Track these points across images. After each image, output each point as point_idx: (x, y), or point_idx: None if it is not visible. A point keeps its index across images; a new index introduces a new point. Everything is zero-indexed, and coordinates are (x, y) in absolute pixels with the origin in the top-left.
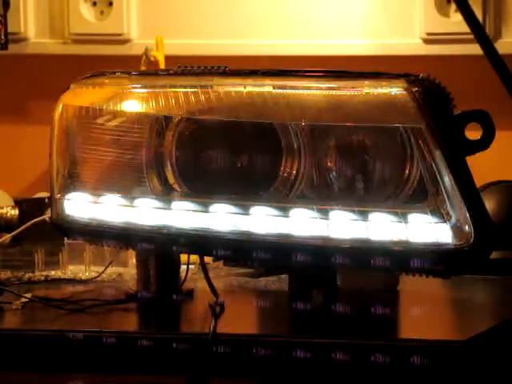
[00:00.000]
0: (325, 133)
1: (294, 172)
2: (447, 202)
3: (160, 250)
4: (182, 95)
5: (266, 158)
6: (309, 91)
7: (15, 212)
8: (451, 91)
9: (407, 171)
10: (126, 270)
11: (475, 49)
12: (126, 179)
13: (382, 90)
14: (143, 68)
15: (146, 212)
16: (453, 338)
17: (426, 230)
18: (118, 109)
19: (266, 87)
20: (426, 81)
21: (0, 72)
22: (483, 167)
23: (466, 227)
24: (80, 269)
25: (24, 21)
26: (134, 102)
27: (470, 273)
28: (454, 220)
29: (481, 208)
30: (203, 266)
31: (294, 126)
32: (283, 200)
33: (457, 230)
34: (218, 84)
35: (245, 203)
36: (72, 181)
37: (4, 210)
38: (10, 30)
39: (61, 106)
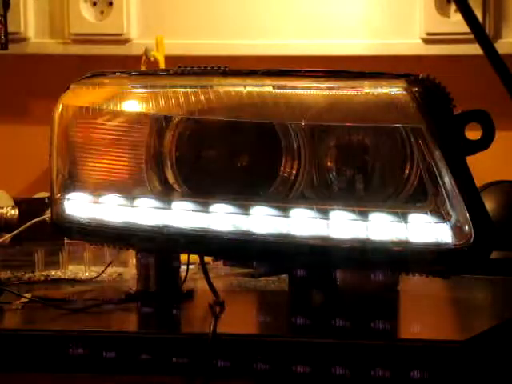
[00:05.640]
0: (325, 133)
1: (294, 172)
2: (447, 202)
3: (160, 250)
4: (182, 95)
5: (266, 158)
6: (309, 91)
7: (15, 212)
8: (451, 91)
9: (407, 171)
10: (125, 270)
11: (475, 49)
12: (125, 179)
13: (382, 90)
14: (143, 68)
15: (145, 212)
16: (453, 338)
17: (426, 229)
18: (118, 109)
19: (266, 87)
20: (426, 81)
21: (0, 72)
22: (483, 167)
23: (466, 227)
24: (80, 269)
25: (24, 21)
26: (134, 102)
27: (470, 273)
28: (453, 220)
29: (481, 208)
30: (203, 266)
31: (293, 126)
32: (283, 200)
33: (457, 230)
34: (217, 84)
35: (245, 203)
36: (72, 181)
37: (4, 210)
38: (10, 29)
39: (61, 105)
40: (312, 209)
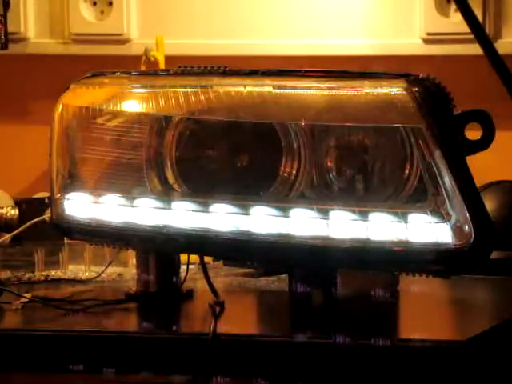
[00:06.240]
0: (325, 133)
1: (294, 172)
2: (447, 202)
3: (160, 250)
4: (182, 95)
5: (266, 158)
6: (309, 91)
7: (15, 212)
8: (451, 91)
9: (407, 171)
10: (125, 270)
11: (475, 49)
12: (125, 179)
13: (382, 90)
14: (143, 68)
15: (145, 212)
16: (453, 338)
17: (426, 229)
18: (118, 109)
19: (266, 87)
20: (426, 81)
21: (0, 72)
22: (483, 167)
23: (466, 227)
24: (80, 269)
25: (24, 21)
26: (134, 101)
27: (470, 273)
28: (453, 220)
29: (481, 208)
30: (203, 266)
31: (293, 126)
32: (283, 200)
33: (457, 229)
34: (217, 84)
35: (245, 203)
36: (72, 181)
37: (4, 210)
38: (10, 29)
39: (61, 105)
40: (312, 209)
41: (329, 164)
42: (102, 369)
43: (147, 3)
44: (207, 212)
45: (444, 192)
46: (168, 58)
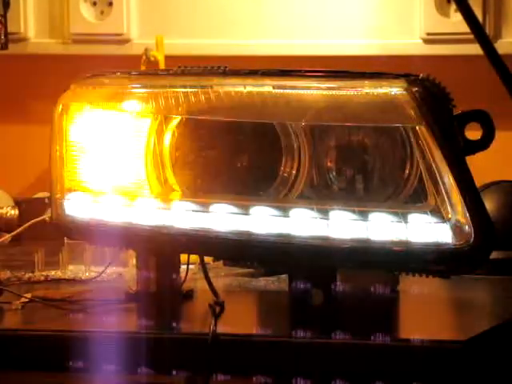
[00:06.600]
0: (325, 133)
1: (294, 172)
2: (447, 202)
3: (160, 250)
4: (182, 95)
5: (266, 158)
6: (309, 91)
7: (15, 212)
8: (451, 91)
9: (407, 171)
10: (125, 270)
11: (475, 49)
12: (126, 179)
13: (382, 90)
14: (143, 68)
15: (146, 212)
16: (453, 338)
17: (426, 229)
18: (118, 109)
19: (266, 87)
20: (426, 81)
21: (0, 72)
22: (483, 167)
23: (466, 227)
24: (80, 269)
25: (24, 21)
26: (134, 101)
27: (470, 273)
28: (453, 220)
29: (481, 208)
30: (203, 266)
31: (293, 126)
32: (283, 200)
33: (457, 229)
34: (217, 84)
35: (245, 203)
36: (72, 181)
37: (4, 210)
38: (10, 30)
39: (61, 105)
40: (312, 209)
41: (329, 164)
42: (101, 369)
43: (147, 3)
44: (207, 212)
45: (444, 192)
46: (168, 58)
